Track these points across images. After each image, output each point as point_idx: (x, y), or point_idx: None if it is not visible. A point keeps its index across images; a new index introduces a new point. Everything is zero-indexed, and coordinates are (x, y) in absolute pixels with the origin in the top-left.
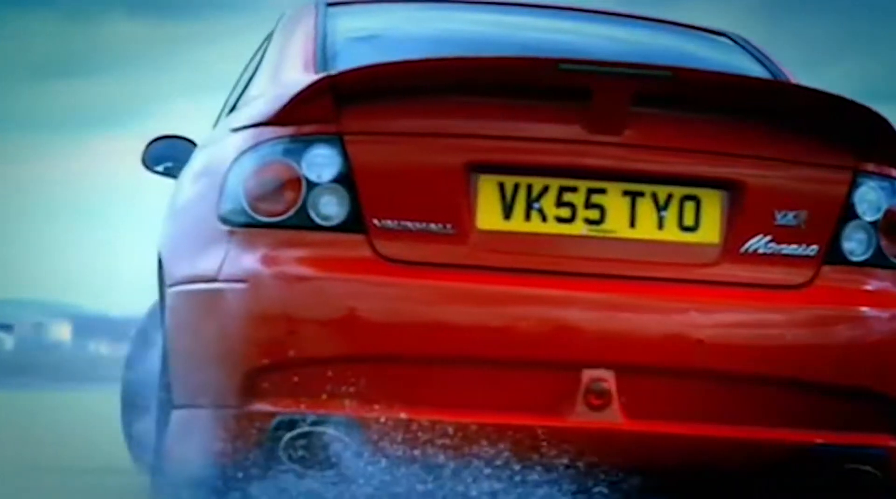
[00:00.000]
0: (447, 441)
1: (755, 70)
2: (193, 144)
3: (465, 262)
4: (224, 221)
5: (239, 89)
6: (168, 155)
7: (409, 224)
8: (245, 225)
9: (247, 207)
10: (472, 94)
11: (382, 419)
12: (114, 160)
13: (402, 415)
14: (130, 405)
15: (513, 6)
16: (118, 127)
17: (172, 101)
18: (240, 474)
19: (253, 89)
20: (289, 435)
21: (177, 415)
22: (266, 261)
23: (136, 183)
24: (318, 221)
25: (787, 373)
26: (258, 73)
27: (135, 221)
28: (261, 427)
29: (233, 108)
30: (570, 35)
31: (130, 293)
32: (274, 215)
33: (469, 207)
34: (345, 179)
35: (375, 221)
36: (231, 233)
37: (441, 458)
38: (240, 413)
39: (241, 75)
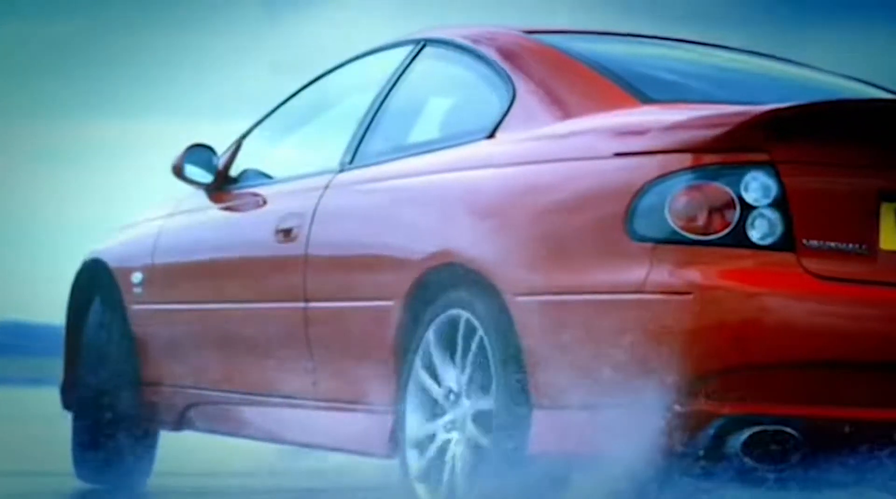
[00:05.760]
0: (870, 437)
1: None
2: (214, 152)
3: (874, 278)
4: (640, 237)
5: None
6: (197, 163)
7: (831, 244)
8: (672, 242)
9: (674, 226)
10: (877, 129)
11: (825, 419)
12: None
13: (837, 415)
14: (87, 421)
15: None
16: None
17: None
18: (656, 472)
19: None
20: (741, 435)
21: (547, 416)
22: (710, 275)
23: None
24: (753, 240)
25: None
26: (522, 104)
27: None
28: (702, 427)
29: (493, 133)
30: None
31: None
32: (707, 233)
33: (876, 230)
34: (779, 203)
35: (804, 241)
36: (653, 249)
37: (870, 453)
38: (678, 414)
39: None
